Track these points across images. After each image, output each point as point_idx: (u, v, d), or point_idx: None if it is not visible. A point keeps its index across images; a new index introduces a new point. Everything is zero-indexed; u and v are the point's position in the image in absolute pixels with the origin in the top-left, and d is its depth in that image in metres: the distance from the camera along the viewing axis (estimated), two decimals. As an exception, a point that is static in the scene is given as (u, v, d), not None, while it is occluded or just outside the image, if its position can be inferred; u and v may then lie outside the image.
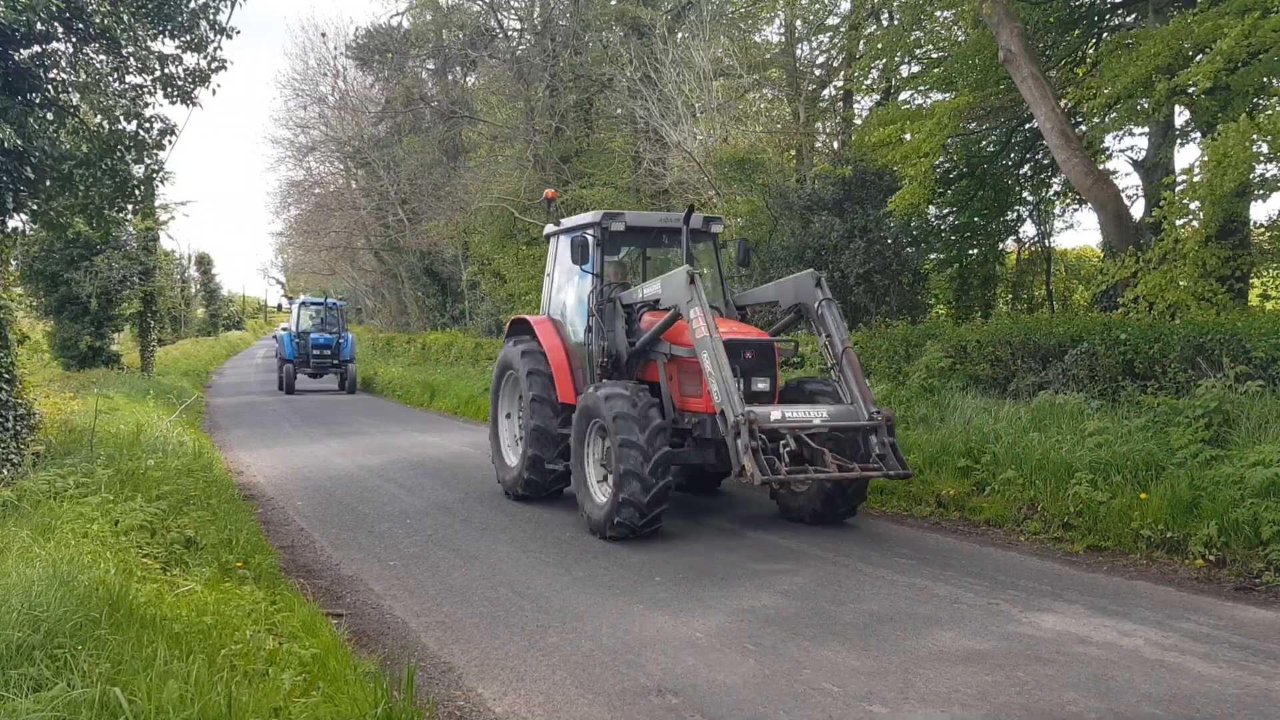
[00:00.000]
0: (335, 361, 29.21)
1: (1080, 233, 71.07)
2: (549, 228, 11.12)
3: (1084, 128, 15.41)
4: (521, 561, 7.95)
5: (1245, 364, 8.95)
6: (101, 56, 10.19)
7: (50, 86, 10.01)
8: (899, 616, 6.28)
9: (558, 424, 9.93)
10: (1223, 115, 11.18)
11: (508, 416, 11.27)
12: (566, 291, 10.68)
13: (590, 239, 9.66)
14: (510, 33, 29.19)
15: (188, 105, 10.81)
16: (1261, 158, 10.47)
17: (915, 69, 19.20)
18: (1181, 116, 14.97)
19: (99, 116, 10.53)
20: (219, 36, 10.63)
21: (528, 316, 10.94)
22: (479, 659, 5.65)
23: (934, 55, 17.91)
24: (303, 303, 31.34)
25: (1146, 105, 13.01)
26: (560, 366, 10.04)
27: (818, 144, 21.46)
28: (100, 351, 26.68)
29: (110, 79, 10.38)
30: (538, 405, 10.00)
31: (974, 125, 17.05)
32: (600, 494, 8.80)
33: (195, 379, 31.99)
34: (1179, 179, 11.86)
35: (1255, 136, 9.75)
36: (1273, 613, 6.31)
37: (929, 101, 17.93)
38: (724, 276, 10.61)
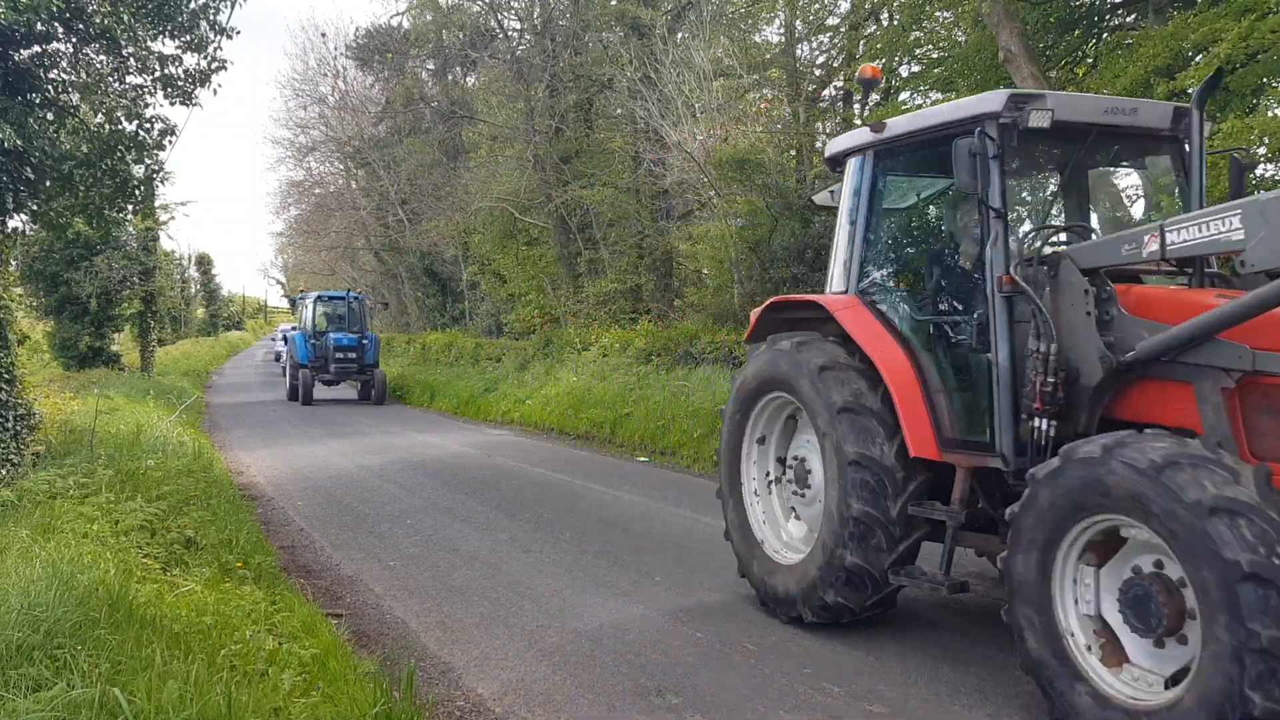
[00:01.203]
0: (359, 367, 25.35)
1: (1080, 233, 70.94)
2: (842, 139, 6.41)
3: (1084, 128, 15.41)
4: (521, 561, 7.95)
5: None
6: (101, 57, 10.21)
7: (50, 87, 10.03)
8: (899, 617, 6.29)
9: (902, 499, 5.64)
10: (1220, 116, 11.19)
11: (766, 474, 6.72)
12: (896, 247, 6.33)
13: (988, 142, 5.06)
14: (510, 33, 29.18)
15: (188, 105, 10.86)
16: (1260, 159, 10.48)
17: (915, 69, 19.21)
18: (1181, 117, 14.96)
19: (99, 117, 10.56)
20: (219, 37, 10.66)
21: (815, 296, 6.30)
22: (479, 659, 5.66)
23: (934, 55, 17.91)
24: (317, 297, 27.45)
25: (1146, 106, 13.01)
26: (907, 389, 5.65)
27: (818, 144, 21.43)
28: (100, 352, 26.72)
29: (110, 79, 10.40)
30: (862, 473, 5.63)
31: (974, 126, 17.03)
32: (1119, 683, 4.22)
33: (195, 379, 32.03)
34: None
35: (1253, 137, 9.75)
36: (1272, 613, 6.31)
37: (929, 102, 17.93)
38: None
